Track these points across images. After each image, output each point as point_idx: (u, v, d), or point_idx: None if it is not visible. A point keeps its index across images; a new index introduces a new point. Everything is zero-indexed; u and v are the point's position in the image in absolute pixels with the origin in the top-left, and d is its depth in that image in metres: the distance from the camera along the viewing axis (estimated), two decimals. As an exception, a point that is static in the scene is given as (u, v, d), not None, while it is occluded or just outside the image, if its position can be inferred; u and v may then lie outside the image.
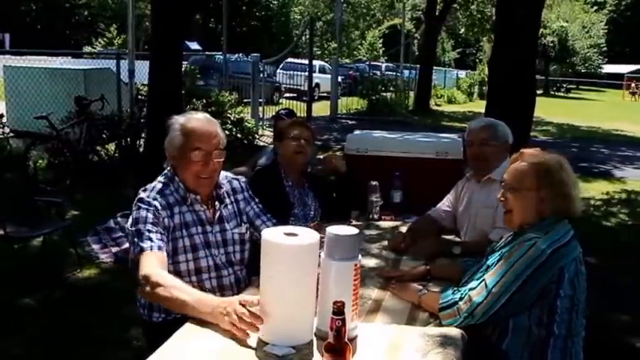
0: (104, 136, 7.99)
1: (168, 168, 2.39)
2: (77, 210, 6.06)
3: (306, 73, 15.63)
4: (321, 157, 3.12)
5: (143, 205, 2.24)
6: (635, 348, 3.74)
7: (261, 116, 12.92)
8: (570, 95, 39.65)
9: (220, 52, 14.15)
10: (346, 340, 1.49)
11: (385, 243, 2.93)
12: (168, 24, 7.48)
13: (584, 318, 2.11)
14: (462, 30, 29.61)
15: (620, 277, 4.97)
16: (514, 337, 2.02)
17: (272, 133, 4.50)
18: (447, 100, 25.61)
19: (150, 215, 2.21)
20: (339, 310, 1.46)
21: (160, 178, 2.36)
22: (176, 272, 2.23)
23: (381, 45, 41.29)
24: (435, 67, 24.67)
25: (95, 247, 4.96)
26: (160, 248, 2.16)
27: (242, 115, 11.32)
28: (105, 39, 29.37)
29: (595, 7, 44.20)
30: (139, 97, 8.65)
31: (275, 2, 45.12)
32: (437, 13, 20.54)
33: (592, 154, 11.93)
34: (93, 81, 9.69)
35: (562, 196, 2.08)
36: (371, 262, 2.68)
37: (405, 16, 31.87)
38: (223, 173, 2.51)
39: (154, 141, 7.58)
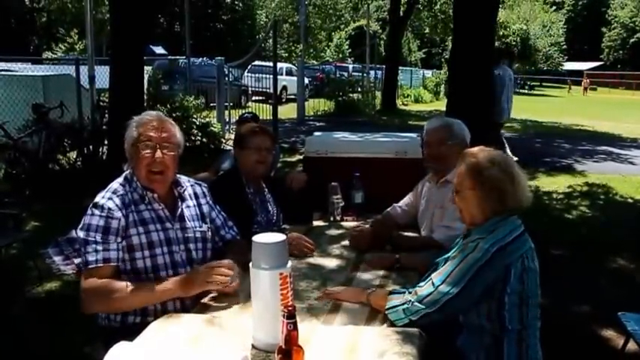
0: (65, 144, 7.83)
1: (129, 170, 2.40)
2: (37, 221, 5.91)
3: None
4: (286, 174, 3.09)
5: (96, 211, 2.26)
6: (595, 336, 3.80)
7: (227, 120, 12.83)
8: (533, 92, 40.42)
9: (185, 57, 14.02)
10: (298, 343, 1.48)
11: (346, 243, 2.94)
12: (129, 29, 7.39)
13: (539, 308, 2.13)
14: (427, 30, 29.92)
15: (581, 269, 5.06)
16: (469, 335, 2.05)
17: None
18: (414, 99, 25.84)
19: (101, 223, 2.23)
20: (290, 314, 1.45)
21: (119, 180, 2.39)
22: (133, 269, 2.27)
23: (347, 46, 41.52)
24: (401, 67, 24.89)
25: (56, 258, 4.78)
26: (106, 260, 2.21)
27: (208, 119, 11.23)
28: (66, 44, 28.89)
29: (554, 7, 45.13)
30: (101, 103, 8.49)
31: (241, 5, 44.95)
32: (401, 14, 20.70)
33: (554, 149, 12.15)
34: (52, 88, 9.50)
35: (496, 193, 2.08)
36: (332, 264, 2.68)
37: (371, 18, 32.16)
38: (185, 177, 2.56)
39: (116, 147, 7.47)
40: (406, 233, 3.07)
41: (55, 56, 26.40)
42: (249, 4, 44.96)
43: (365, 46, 22.39)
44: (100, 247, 2.20)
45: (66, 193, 6.69)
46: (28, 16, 37.14)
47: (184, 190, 2.49)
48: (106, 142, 7.88)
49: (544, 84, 45.62)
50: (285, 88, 21.86)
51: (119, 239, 2.24)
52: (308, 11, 37.69)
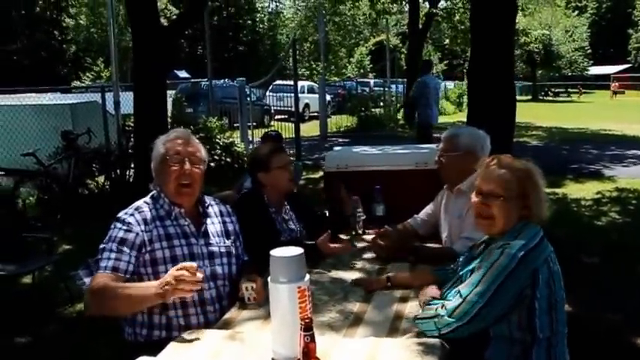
0: (94, 168, 8.00)
1: (156, 189, 2.47)
2: (68, 244, 6.04)
3: None
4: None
5: (117, 224, 2.35)
6: (626, 345, 3.72)
7: (250, 139, 12.94)
8: (559, 99, 39.93)
9: (207, 79, 14.23)
10: (317, 356, 1.49)
11: (368, 256, 2.95)
12: (150, 55, 7.54)
13: (565, 313, 2.11)
14: (447, 42, 29.84)
15: (612, 276, 4.97)
16: (496, 347, 2.01)
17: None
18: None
19: (120, 235, 2.31)
20: (307, 326, 1.47)
21: (144, 198, 2.46)
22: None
23: (368, 62, 41.62)
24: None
25: (87, 280, 4.92)
26: (114, 269, 2.25)
27: (231, 139, 11.35)
28: (93, 73, 29.55)
29: (576, 12, 44.67)
30: (126, 127, 8.67)
31: (262, 26, 45.51)
32: (420, 27, 20.72)
33: (582, 155, 11.98)
34: (80, 115, 9.71)
35: (543, 201, 2.11)
36: (354, 276, 2.68)
37: (391, 32, 32.23)
38: (210, 197, 2.64)
39: (142, 170, 7.61)
40: (428, 244, 3.07)
41: (82, 84, 27.04)
42: (270, 25, 45.53)
43: (385, 61, 22.45)
44: (112, 256, 2.27)
45: (95, 216, 6.79)
46: (57, 48, 38.14)
47: (209, 207, 2.56)
48: (132, 165, 8.02)
49: (569, 90, 45.02)
50: (307, 105, 21.99)
51: (133, 252, 2.29)
52: (328, 29, 38.01)
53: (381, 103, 20.72)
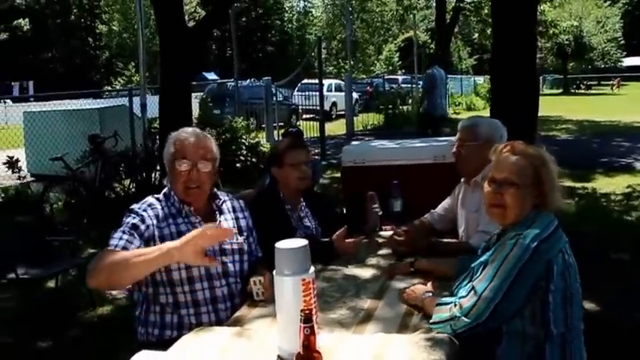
0: (120, 171, 8.09)
1: (168, 185, 2.48)
2: (93, 248, 6.09)
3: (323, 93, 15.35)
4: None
5: (131, 215, 2.34)
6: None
7: (276, 139, 12.98)
8: (591, 92, 39.05)
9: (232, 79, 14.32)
10: (317, 349, 1.46)
11: (384, 252, 2.91)
12: (176, 58, 7.60)
13: (582, 308, 2.04)
14: (476, 36, 29.50)
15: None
16: (509, 343, 1.95)
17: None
18: (466, 107, 25.40)
19: (133, 221, 2.30)
20: (307, 317, 1.44)
21: (156, 195, 2.46)
22: (169, 280, 2.30)
23: (397, 58, 41.38)
24: (450, 76, 24.56)
25: None
26: (124, 248, 2.20)
27: (257, 139, 11.38)
28: (124, 77, 30.03)
29: (608, 2, 43.64)
30: (152, 130, 8.75)
31: (290, 26, 45.66)
32: (447, 22, 20.52)
33: (613, 149, 11.69)
34: (108, 119, 9.89)
35: (557, 189, 2.04)
36: (367, 273, 2.65)
37: (420, 28, 32.08)
38: (224, 192, 2.63)
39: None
40: (445, 239, 3.01)
41: (111, 89, 27.48)
42: (299, 24, 45.63)
43: (414, 57, 22.27)
44: (125, 237, 2.23)
45: (120, 219, 6.90)
46: (91, 54, 38.93)
47: (222, 204, 2.55)
48: (158, 167, 8.08)
49: (602, 82, 44.03)
50: (334, 104, 21.93)
51: (143, 242, 2.26)
52: (356, 26, 37.91)
53: (409, 100, 20.52)
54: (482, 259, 2.05)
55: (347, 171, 3.63)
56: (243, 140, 10.84)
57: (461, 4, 20.23)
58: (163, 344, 2.16)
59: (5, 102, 21.12)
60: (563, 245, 1.98)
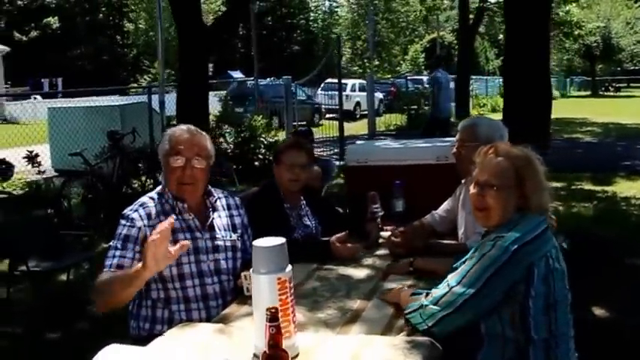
0: (139, 167, 8.17)
1: (163, 182, 2.50)
2: (107, 242, 6.18)
3: (347, 92, 15.26)
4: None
5: (122, 221, 2.37)
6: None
7: (295, 138, 12.98)
8: (620, 94, 38.29)
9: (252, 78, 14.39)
10: (283, 348, 1.45)
11: (381, 253, 2.89)
12: (193, 55, 7.68)
13: (571, 314, 1.99)
14: (501, 37, 29.14)
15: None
16: (490, 347, 1.92)
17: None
18: (491, 108, 25.12)
19: (124, 232, 2.33)
20: (272, 316, 1.43)
21: (150, 194, 2.48)
22: (160, 277, 2.32)
23: (422, 59, 41.12)
24: (475, 77, 24.33)
25: None
26: (119, 266, 2.26)
27: (277, 138, 11.41)
28: (150, 75, 30.36)
29: (639, 3, 42.75)
30: (170, 127, 8.82)
31: (315, 25, 45.69)
32: (470, 23, 20.34)
33: (637, 152, 11.43)
34: (128, 115, 10.00)
35: (543, 190, 2.00)
36: (361, 273, 2.63)
37: (446, 29, 31.84)
38: (219, 189, 2.63)
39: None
40: (443, 241, 2.98)
41: (137, 85, 27.79)
42: (324, 24, 45.63)
43: (438, 58, 22.07)
44: (117, 254, 2.28)
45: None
46: (119, 52, 39.48)
47: (216, 201, 2.55)
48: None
49: (632, 85, 43.14)
50: (358, 104, 21.89)
51: (137, 247, 2.29)
52: (381, 26, 37.77)
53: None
54: (463, 259, 2.03)
55: (350, 170, 3.62)
56: (262, 139, 10.90)
57: (484, 5, 20.01)
58: (154, 339, 2.18)
59: (35, 98, 21.51)
60: (549, 250, 1.93)
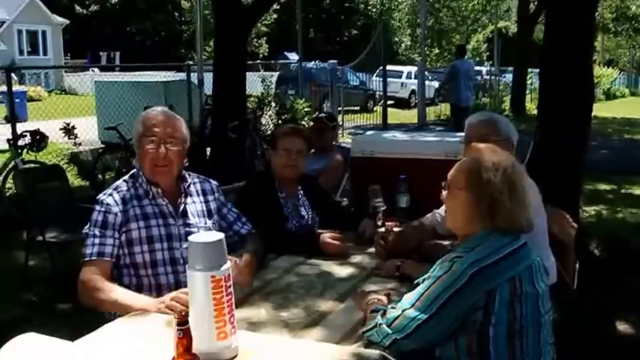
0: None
1: (137, 166, 2.44)
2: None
3: (402, 80, 14.96)
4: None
5: (97, 207, 2.32)
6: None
7: (340, 124, 12.83)
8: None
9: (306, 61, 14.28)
10: (192, 352, 1.34)
11: (372, 250, 2.74)
12: (230, 35, 7.60)
13: (547, 337, 1.80)
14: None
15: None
16: None
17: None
18: (549, 103, 24.25)
19: (100, 218, 2.29)
20: (180, 320, 1.32)
21: (125, 177, 2.44)
22: (132, 264, 2.30)
23: (485, 49, 40.04)
24: (534, 70, 23.45)
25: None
26: (100, 254, 2.23)
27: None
28: (205, 52, 30.66)
29: None
30: (207, 106, 8.84)
31: (374, 10, 45.11)
32: (530, 12, 19.57)
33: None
34: (172, 92, 10.08)
35: (486, 202, 1.77)
36: (344, 272, 2.50)
37: (511, 19, 30.78)
38: (195, 174, 2.56)
39: (219, 148, 7.74)
40: (443, 242, 2.79)
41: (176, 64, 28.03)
42: (383, 9, 44.95)
43: (504, 49, 21.47)
44: (97, 241, 2.25)
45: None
46: (177, 29, 40.04)
47: (189, 186, 2.47)
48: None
49: None
50: (413, 92, 21.54)
51: (116, 234, 2.27)
52: (442, 14, 36.95)
53: (492, 92, 19.87)
54: (426, 275, 1.84)
55: (355, 161, 3.45)
56: (303, 122, 10.80)
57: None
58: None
59: (93, 70, 22.08)
60: (519, 272, 1.72)
